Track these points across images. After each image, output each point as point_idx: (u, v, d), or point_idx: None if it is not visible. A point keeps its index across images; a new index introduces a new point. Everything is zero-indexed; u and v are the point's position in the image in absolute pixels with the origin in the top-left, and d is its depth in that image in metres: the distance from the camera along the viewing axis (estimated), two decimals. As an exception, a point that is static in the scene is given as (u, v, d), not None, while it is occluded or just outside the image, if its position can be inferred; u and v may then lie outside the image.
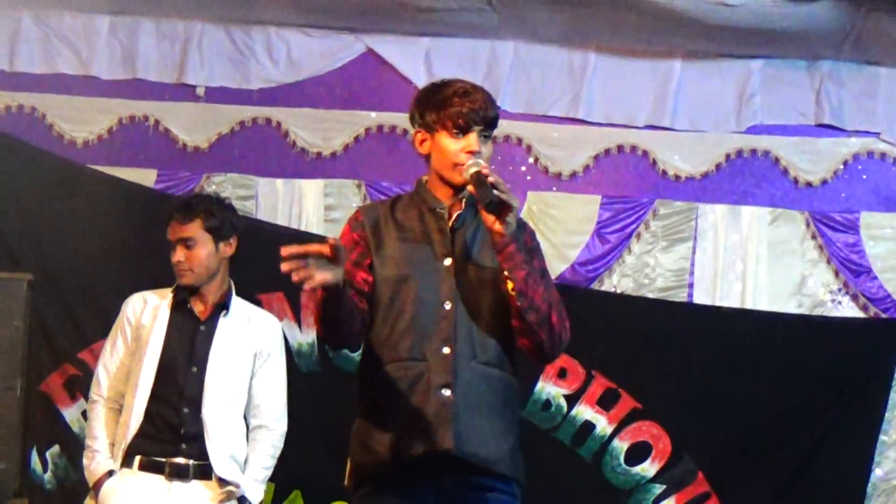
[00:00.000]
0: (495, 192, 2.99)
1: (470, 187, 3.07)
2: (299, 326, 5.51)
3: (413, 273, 3.13)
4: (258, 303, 4.83)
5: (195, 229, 4.36)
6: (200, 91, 6.19)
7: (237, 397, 4.36)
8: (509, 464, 3.12)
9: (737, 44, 6.06)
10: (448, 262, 3.14)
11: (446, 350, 3.07)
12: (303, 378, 5.20)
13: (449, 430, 3.01)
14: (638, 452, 5.61)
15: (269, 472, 4.43)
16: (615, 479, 5.62)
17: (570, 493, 5.56)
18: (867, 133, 6.18)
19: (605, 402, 5.62)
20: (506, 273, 3.06)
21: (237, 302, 4.45)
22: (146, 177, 6.00)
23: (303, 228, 5.98)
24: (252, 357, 4.40)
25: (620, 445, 5.61)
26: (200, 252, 4.36)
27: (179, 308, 4.37)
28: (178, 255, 4.33)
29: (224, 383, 4.31)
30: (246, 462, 4.36)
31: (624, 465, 5.60)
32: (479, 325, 3.11)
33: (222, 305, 4.38)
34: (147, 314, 4.37)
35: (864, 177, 6.18)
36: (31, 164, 5.56)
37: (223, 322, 4.37)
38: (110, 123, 6.13)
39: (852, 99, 6.17)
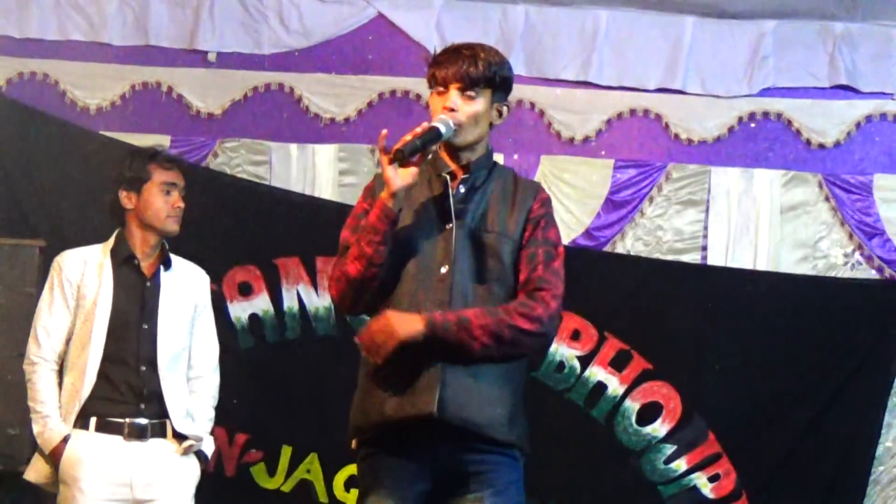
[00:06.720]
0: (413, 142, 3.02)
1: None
2: (315, 290, 5.48)
3: (413, 237, 3.12)
4: (275, 267, 4.79)
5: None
6: (212, 57, 6.18)
7: (184, 351, 4.27)
8: (505, 429, 3.08)
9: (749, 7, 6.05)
10: (448, 226, 3.12)
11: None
12: (319, 341, 5.19)
13: (434, 395, 3.01)
14: (649, 412, 5.62)
15: (212, 423, 4.34)
16: (627, 440, 5.63)
17: (583, 455, 5.59)
18: (880, 95, 6.15)
19: (618, 363, 5.62)
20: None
21: (173, 257, 4.34)
22: (160, 143, 5.93)
23: (317, 194, 5.98)
24: (193, 309, 4.32)
25: (632, 406, 5.62)
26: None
27: (125, 265, 4.22)
28: (179, 200, 4.25)
29: (174, 338, 4.22)
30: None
31: (635, 426, 5.61)
32: (476, 290, 3.09)
33: (164, 261, 4.28)
34: (90, 273, 4.20)
35: (878, 139, 6.15)
36: (43, 130, 5.55)
37: (165, 277, 4.25)
38: (123, 90, 6.13)
39: (865, 60, 6.13)
